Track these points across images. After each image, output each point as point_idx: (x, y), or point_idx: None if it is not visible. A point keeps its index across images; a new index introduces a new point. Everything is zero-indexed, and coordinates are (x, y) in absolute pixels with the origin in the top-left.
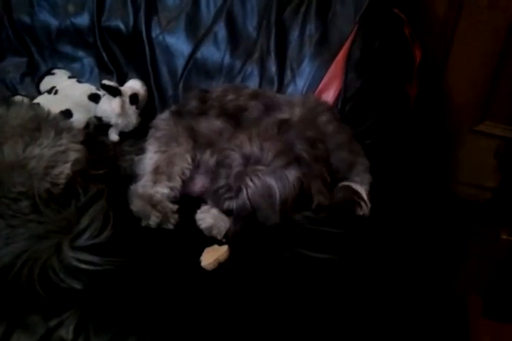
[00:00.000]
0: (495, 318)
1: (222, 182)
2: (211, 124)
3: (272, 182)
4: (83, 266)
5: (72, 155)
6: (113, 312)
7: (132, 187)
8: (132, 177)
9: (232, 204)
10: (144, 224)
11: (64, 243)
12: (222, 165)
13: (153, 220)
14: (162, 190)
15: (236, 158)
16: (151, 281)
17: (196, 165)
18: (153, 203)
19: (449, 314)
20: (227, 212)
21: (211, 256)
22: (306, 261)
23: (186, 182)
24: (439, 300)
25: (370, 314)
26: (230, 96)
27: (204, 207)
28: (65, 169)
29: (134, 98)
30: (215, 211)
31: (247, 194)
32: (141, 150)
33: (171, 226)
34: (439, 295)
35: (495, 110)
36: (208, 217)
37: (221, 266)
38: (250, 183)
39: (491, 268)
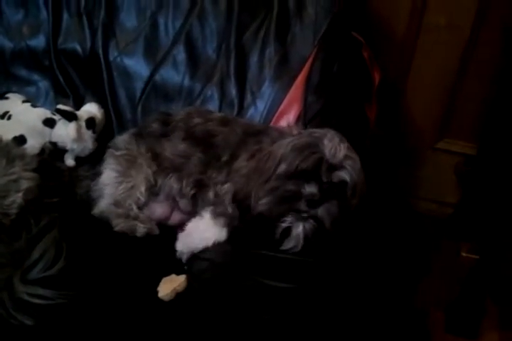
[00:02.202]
0: (457, 334)
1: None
2: (176, 148)
3: None
4: (35, 300)
5: (25, 184)
6: None
7: (96, 209)
8: (89, 203)
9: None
10: (130, 235)
11: (15, 277)
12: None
13: (141, 231)
14: None
15: None
16: (105, 314)
17: (154, 193)
18: (133, 216)
19: (411, 330)
20: None
21: (168, 287)
22: (265, 290)
23: (142, 210)
24: (401, 316)
25: (332, 335)
26: (197, 120)
27: (191, 227)
28: (17, 198)
29: (90, 122)
30: (207, 229)
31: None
32: (98, 175)
33: (157, 232)
34: (401, 311)
35: (454, 127)
36: (196, 239)
37: (179, 296)
38: None
39: (452, 284)
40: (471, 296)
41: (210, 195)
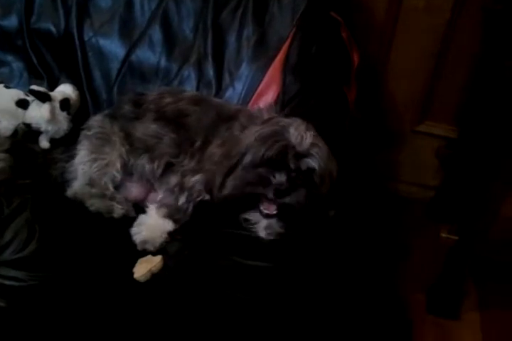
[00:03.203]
0: (438, 314)
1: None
2: (147, 129)
3: None
4: (7, 282)
5: None
6: (40, 331)
7: (70, 191)
8: (63, 185)
9: None
10: (107, 216)
11: None
12: None
13: (118, 213)
14: None
15: None
16: (80, 296)
17: (129, 172)
18: (110, 197)
19: (392, 311)
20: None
21: (144, 268)
22: (242, 270)
23: (119, 190)
24: (382, 298)
25: (311, 316)
26: (168, 99)
27: (140, 218)
28: None
29: (64, 103)
30: (153, 220)
31: None
32: (72, 157)
33: (133, 214)
34: (381, 293)
35: (435, 110)
36: (143, 230)
37: (154, 277)
38: None
39: (433, 266)
40: (452, 277)
41: (172, 181)
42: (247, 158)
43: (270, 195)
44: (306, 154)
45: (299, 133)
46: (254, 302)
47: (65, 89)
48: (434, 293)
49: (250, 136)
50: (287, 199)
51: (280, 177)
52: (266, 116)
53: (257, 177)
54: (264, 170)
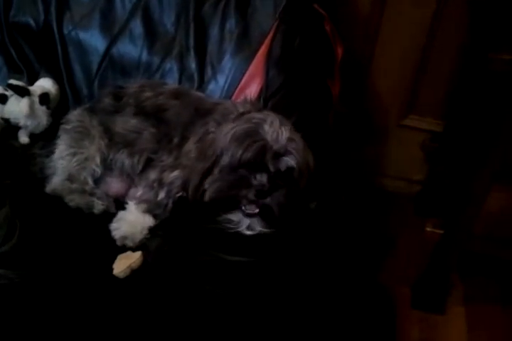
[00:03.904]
0: (423, 309)
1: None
2: (127, 123)
3: None
4: None
5: None
6: (19, 328)
7: (49, 187)
8: (43, 181)
9: None
10: (87, 212)
11: None
12: None
13: (99, 208)
14: None
15: None
16: (60, 292)
17: (109, 167)
18: (90, 192)
19: (376, 306)
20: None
21: (124, 264)
22: (222, 265)
23: (99, 185)
24: (366, 292)
25: (293, 310)
26: (148, 93)
27: (120, 214)
28: None
29: (44, 98)
30: (133, 216)
31: None
32: (52, 152)
33: (113, 209)
34: (366, 287)
35: (420, 104)
36: (123, 226)
37: (134, 273)
38: None
39: (418, 260)
40: (437, 271)
41: (151, 176)
42: (225, 160)
43: (251, 197)
44: (283, 152)
45: (275, 130)
46: (235, 297)
47: (44, 84)
48: (419, 288)
49: (225, 135)
50: (268, 200)
51: (261, 178)
52: (241, 110)
53: (238, 179)
54: (244, 171)
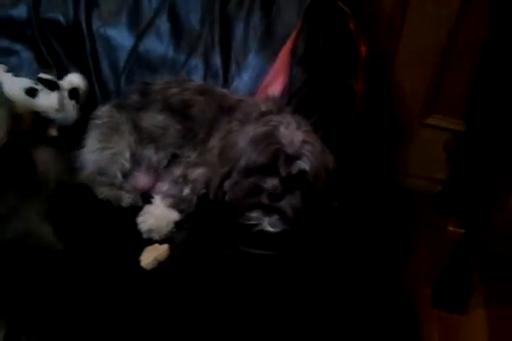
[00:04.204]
0: (444, 308)
1: None
2: (154, 119)
3: None
4: None
5: None
6: (48, 319)
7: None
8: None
9: None
10: (115, 205)
11: None
12: None
13: (127, 201)
14: None
15: None
16: (88, 282)
17: (136, 162)
18: (118, 186)
19: (398, 304)
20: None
21: (150, 256)
22: (247, 258)
23: (128, 179)
24: (388, 291)
25: (318, 307)
26: (174, 90)
27: (147, 208)
28: None
29: (73, 92)
30: (159, 210)
31: None
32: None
33: (140, 203)
34: (388, 286)
35: (443, 103)
36: (149, 219)
37: (161, 265)
38: None
39: (440, 259)
40: (458, 271)
41: (177, 172)
42: (241, 164)
43: (265, 201)
44: (297, 155)
45: (290, 132)
46: (259, 290)
47: (73, 79)
48: (440, 287)
49: (244, 138)
50: (282, 203)
51: (272, 182)
52: (263, 109)
53: (251, 184)
54: (255, 178)
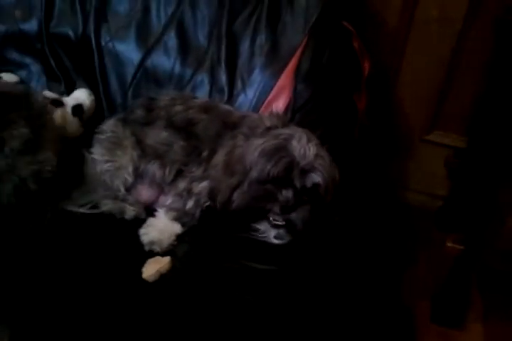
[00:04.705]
0: (442, 324)
1: None
2: (158, 136)
3: None
4: None
5: None
6: (51, 328)
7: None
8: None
9: None
10: (119, 217)
11: None
12: None
13: (130, 214)
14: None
15: None
16: (90, 294)
17: (140, 176)
18: (122, 198)
19: (396, 319)
20: None
21: (153, 268)
22: (247, 272)
23: (131, 192)
24: (386, 305)
25: (318, 320)
26: (178, 108)
27: (150, 220)
28: None
29: (76, 109)
30: (162, 223)
31: None
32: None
33: (143, 216)
34: (386, 301)
35: (444, 120)
36: (151, 232)
37: (162, 277)
38: None
39: (439, 275)
40: (457, 286)
41: (181, 186)
42: (253, 174)
43: (277, 210)
44: (310, 168)
45: (302, 146)
46: (260, 303)
47: (79, 95)
48: (438, 302)
49: (254, 150)
50: (293, 216)
51: (287, 194)
52: (268, 124)
53: (264, 193)
54: (271, 186)
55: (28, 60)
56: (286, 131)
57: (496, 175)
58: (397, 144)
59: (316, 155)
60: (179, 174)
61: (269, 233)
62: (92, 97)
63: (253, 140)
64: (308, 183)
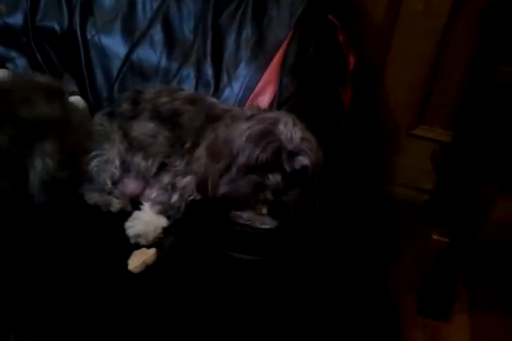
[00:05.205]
0: (428, 316)
1: None
2: (144, 128)
3: None
4: None
5: None
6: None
7: None
8: None
9: None
10: (104, 210)
11: None
12: None
13: (116, 207)
14: None
15: None
16: (75, 285)
17: (126, 169)
18: (108, 191)
19: (382, 312)
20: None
21: (138, 259)
22: (231, 262)
23: (117, 185)
24: (372, 299)
25: (300, 314)
26: (164, 99)
27: (135, 214)
28: None
29: None
30: (148, 216)
31: None
32: None
33: (129, 208)
34: (372, 294)
35: (430, 114)
36: (137, 225)
37: (148, 268)
38: None
39: (424, 268)
40: (442, 279)
41: (165, 180)
42: (241, 160)
43: (270, 197)
44: (297, 151)
45: (289, 130)
46: (244, 293)
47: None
48: (424, 295)
49: (240, 135)
50: (284, 198)
51: (276, 178)
52: (248, 114)
53: (251, 186)
54: (256, 175)
55: (13, 54)
56: (271, 114)
57: (480, 168)
58: (383, 138)
59: (302, 139)
60: (163, 167)
61: (254, 221)
62: (85, 105)
63: (238, 124)
64: (297, 166)
